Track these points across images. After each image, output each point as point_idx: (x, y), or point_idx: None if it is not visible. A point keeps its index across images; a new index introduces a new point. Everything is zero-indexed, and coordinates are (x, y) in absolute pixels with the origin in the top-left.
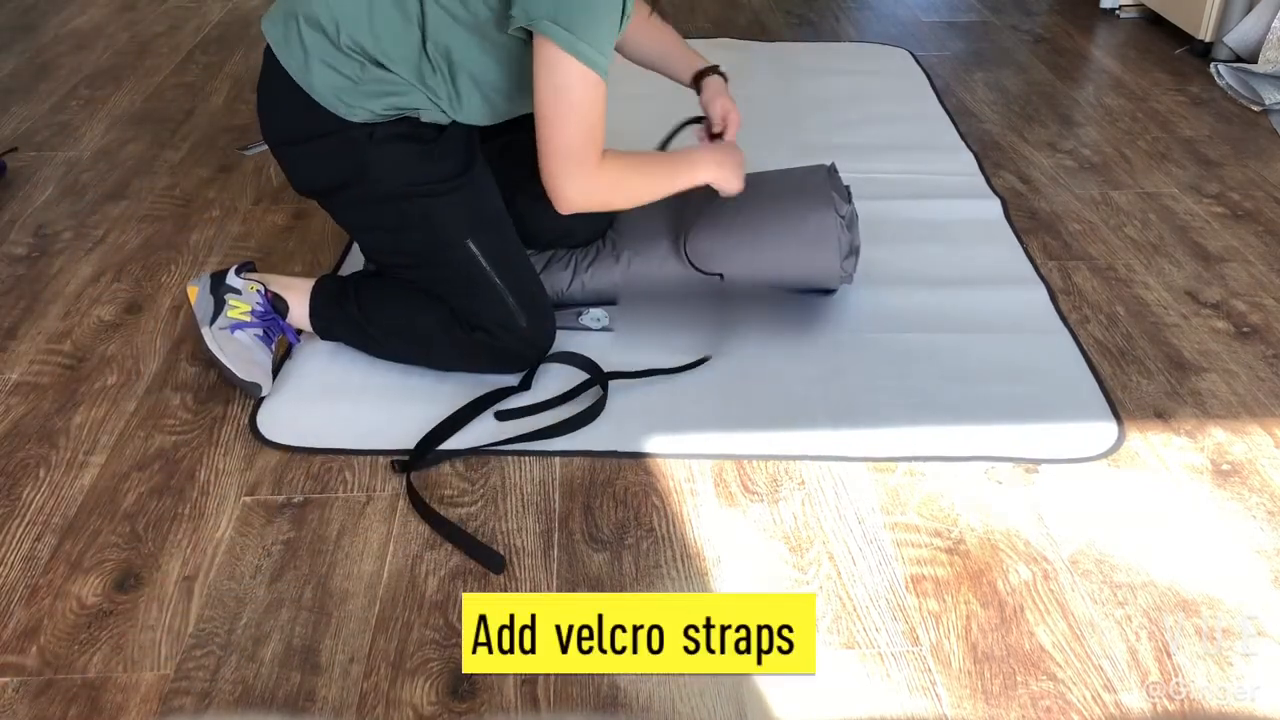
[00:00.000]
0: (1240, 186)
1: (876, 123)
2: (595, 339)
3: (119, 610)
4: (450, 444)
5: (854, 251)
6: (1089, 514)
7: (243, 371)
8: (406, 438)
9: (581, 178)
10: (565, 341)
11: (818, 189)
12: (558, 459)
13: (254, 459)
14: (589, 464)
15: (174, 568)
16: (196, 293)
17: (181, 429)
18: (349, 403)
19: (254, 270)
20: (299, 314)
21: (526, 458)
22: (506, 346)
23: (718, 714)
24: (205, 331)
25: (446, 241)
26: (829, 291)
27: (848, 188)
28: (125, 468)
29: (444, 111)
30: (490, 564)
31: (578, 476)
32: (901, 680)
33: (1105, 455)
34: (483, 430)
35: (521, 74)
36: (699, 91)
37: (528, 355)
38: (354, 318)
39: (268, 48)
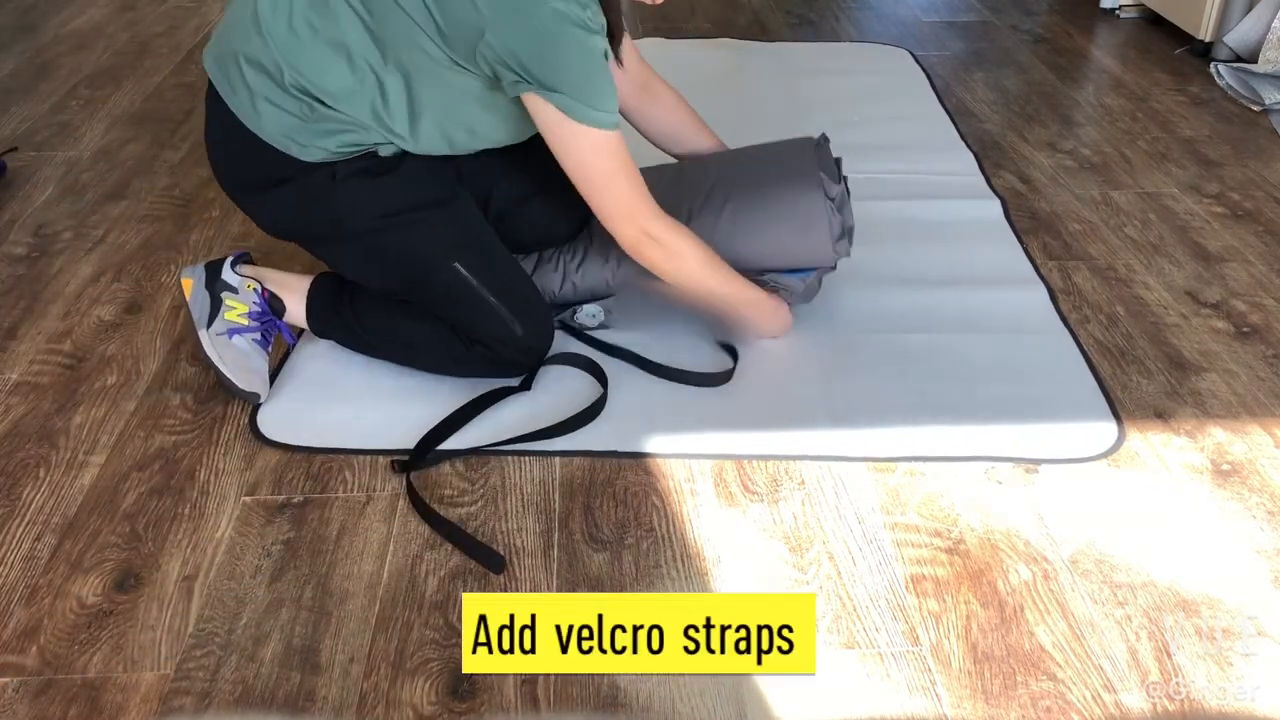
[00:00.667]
0: (1240, 186)
1: (876, 123)
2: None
3: (119, 610)
4: (450, 444)
5: (846, 232)
6: (1089, 514)
7: (241, 381)
8: (406, 438)
9: (640, 228)
10: (566, 342)
11: (805, 170)
12: (558, 459)
13: (254, 459)
14: (589, 464)
15: (174, 568)
16: (191, 287)
17: (181, 429)
18: (349, 403)
19: (250, 262)
20: (296, 312)
21: (526, 458)
22: (506, 357)
23: (718, 714)
24: (203, 335)
25: (432, 267)
26: (830, 269)
27: (838, 160)
28: (125, 468)
29: (401, 147)
30: (490, 564)
31: (578, 476)
32: (901, 680)
33: (1105, 455)
34: (482, 430)
35: (488, 114)
36: None
37: (527, 361)
38: (349, 322)
39: (210, 88)
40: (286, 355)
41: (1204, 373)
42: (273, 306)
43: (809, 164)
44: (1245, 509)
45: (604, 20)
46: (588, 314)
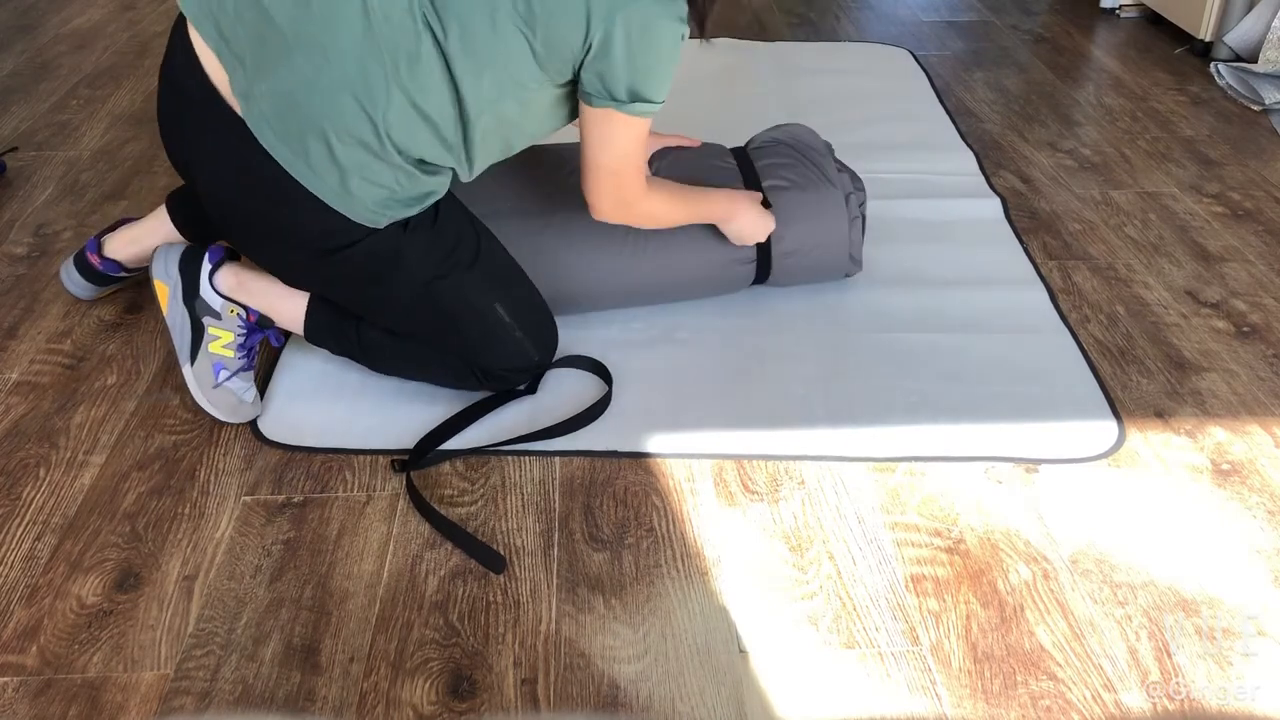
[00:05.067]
0: (1240, 186)
1: (876, 123)
2: (604, 339)
3: (119, 610)
4: (450, 444)
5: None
6: (1089, 514)
7: (233, 417)
8: (406, 437)
9: (625, 202)
10: (570, 345)
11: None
12: (558, 459)
13: (254, 459)
14: (589, 464)
15: (174, 567)
16: (168, 298)
17: (181, 429)
18: (349, 403)
19: (226, 260)
20: (283, 312)
21: (526, 458)
22: (515, 380)
23: (717, 714)
24: (187, 372)
25: (480, 312)
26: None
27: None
28: (125, 467)
29: (456, 180)
30: (491, 564)
31: (578, 476)
32: (901, 680)
33: (1105, 455)
34: (483, 430)
35: (534, 111)
36: None
37: (534, 372)
38: (351, 338)
39: (265, 162)
40: (280, 351)
41: (1204, 372)
42: (261, 324)
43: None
44: (1245, 509)
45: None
46: None
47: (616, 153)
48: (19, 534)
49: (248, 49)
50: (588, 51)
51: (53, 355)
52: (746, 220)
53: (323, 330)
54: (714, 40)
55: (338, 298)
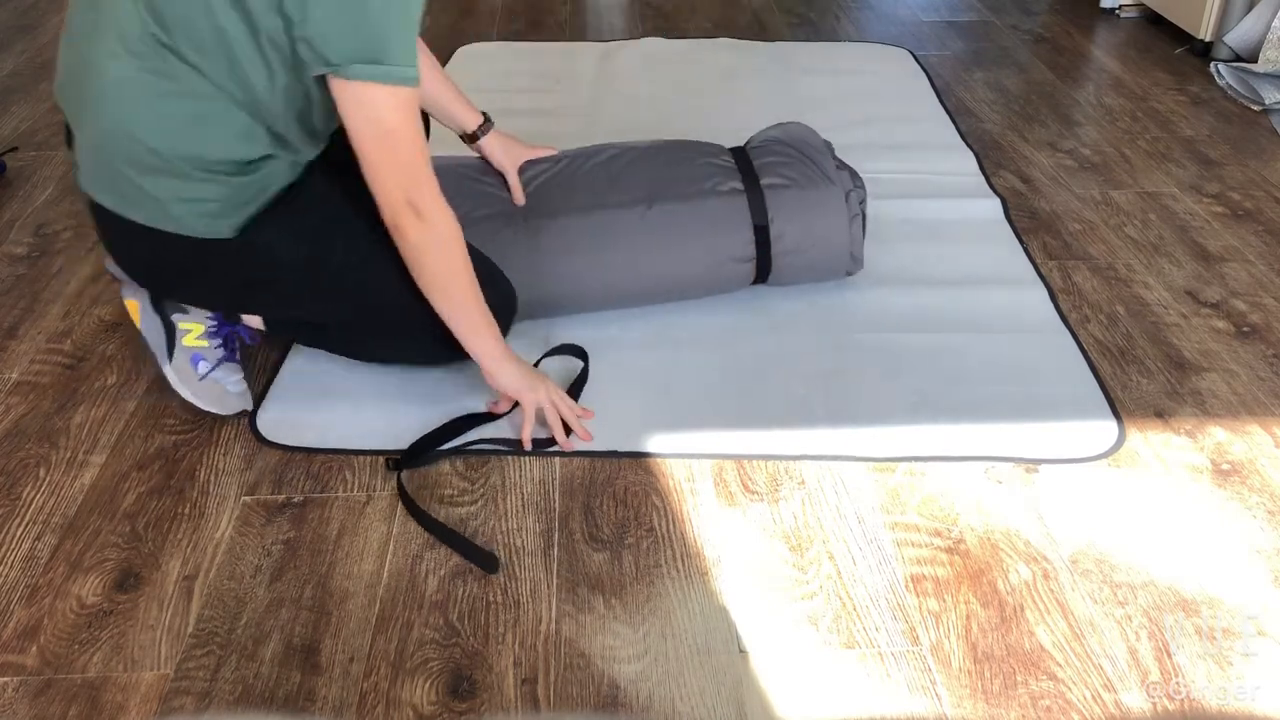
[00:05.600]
0: (1240, 186)
1: (876, 123)
2: (609, 335)
3: (119, 610)
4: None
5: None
6: (1089, 514)
7: (221, 408)
8: (407, 437)
9: (413, 206)
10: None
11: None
12: (558, 459)
13: (254, 459)
14: (589, 464)
15: (174, 567)
16: (139, 311)
17: (181, 428)
18: (349, 403)
19: None
20: (249, 318)
21: (527, 458)
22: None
23: (717, 714)
24: (168, 371)
25: (380, 280)
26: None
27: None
28: (125, 467)
29: (303, 161)
30: (485, 565)
31: (578, 476)
32: (901, 680)
33: (1105, 455)
34: (477, 431)
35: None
36: (481, 146)
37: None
38: (314, 332)
39: (97, 208)
40: (286, 353)
41: (1204, 372)
42: (228, 316)
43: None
44: (1245, 509)
45: None
46: None
47: (377, 134)
48: (19, 534)
49: (74, 110)
50: (288, 21)
51: (53, 355)
52: (507, 374)
53: (281, 325)
54: (714, 40)
55: (260, 311)
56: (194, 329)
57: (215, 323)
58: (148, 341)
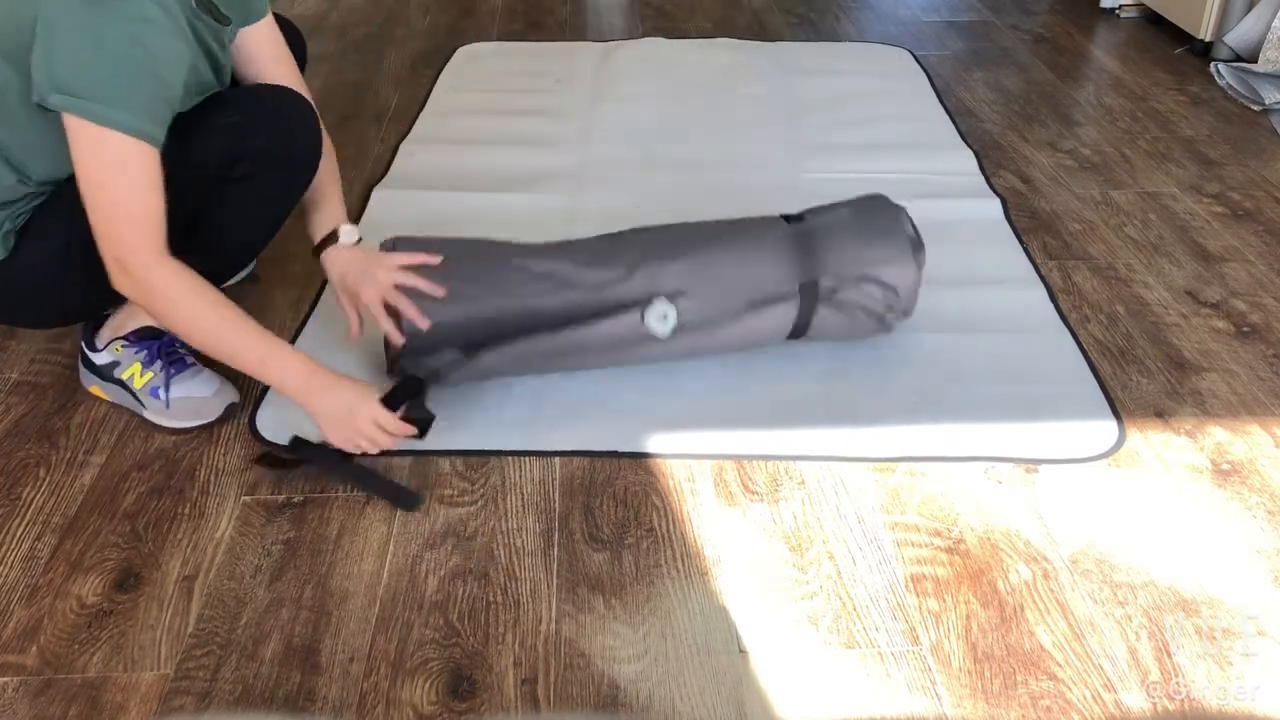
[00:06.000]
0: (1240, 186)
1: (876, 123)
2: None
3: (119, 610)
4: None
5: (923, 246)
6: (1089, 514)
7: (205, 416)
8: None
9: (120, 264)
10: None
11: (881, 200)
12: (558, 459)
13: (254, 459)
14: (589, 464)
15: (174, 567)
16: (101, 390)
17: (181, 428)
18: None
19: (90, 327)
20: (146, 319)
21: (527, 458)
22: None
23: (717, 714)
24: (148, 416)
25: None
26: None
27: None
28: (125, 467)
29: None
30: (402, 501)
31: (578, 476)
32: (901, 680)
33: (1105, 455)
34: (482, 431)
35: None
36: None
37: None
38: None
39: None
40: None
41: (1204, 372)
42: (150, 334)
43: (886, 202)
44: (1245, 509)
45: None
46: (658, 314)
47: (86, 179)
48: (19, 534)
49: None
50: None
51: (53, 355)
52: (342, 417)
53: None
54: (714, 40)
55: (72, 306)
56: (131, 368)
57: (137, 349)
58: (123, 405)
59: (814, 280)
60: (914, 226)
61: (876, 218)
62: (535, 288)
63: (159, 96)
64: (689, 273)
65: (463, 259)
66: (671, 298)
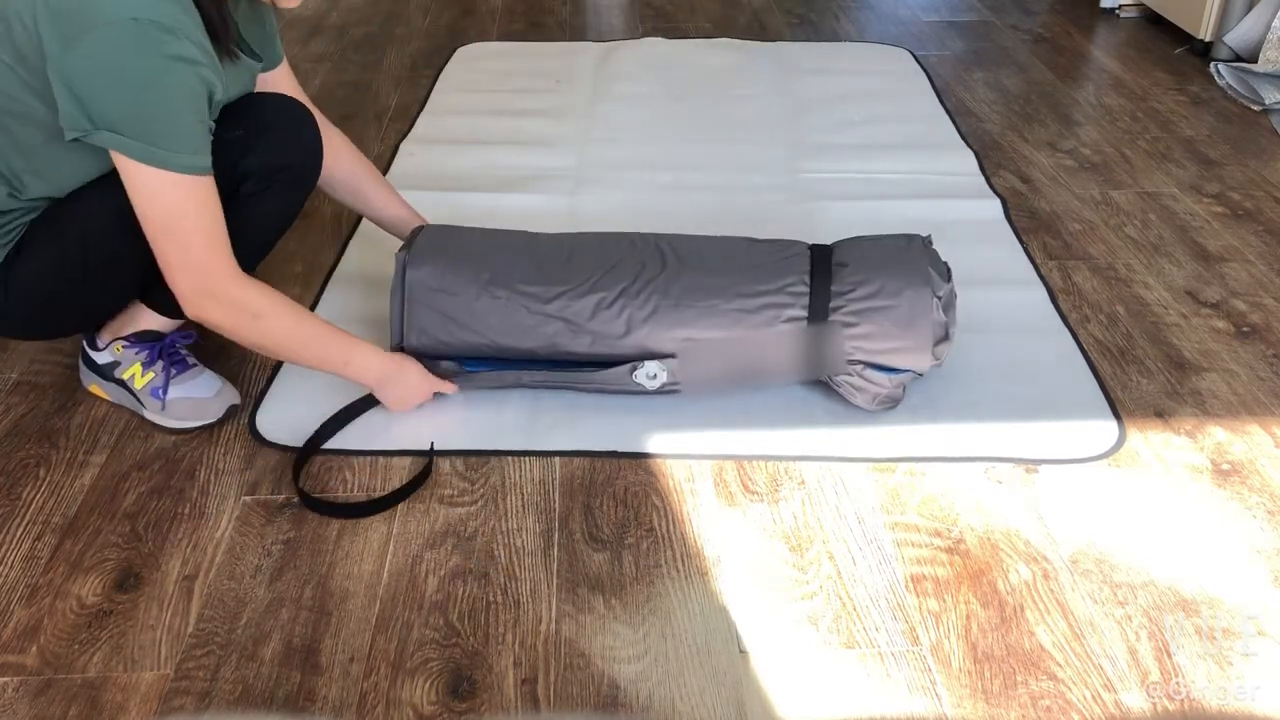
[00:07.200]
0: (1240, 186)
1: (876, 123)
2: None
3: (119, 610)
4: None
5: (947, 336)
6: (1089, 514)
7: (205, 417)
8: (405, 437)
9: (213, 293)
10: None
11: (915, 263)
12: (558, 459)
13: (254, 459)
14: (589, 464)
15: (174, 567)
16: (101, 389)
17: (182, 429)
18: (349, 403)
19: (94, 332)
20: (151, 321)
21: (527, 458)
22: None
23: (717, 713)
24: (149, 416)
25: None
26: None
27: (946, 265)
28: (125, 467)
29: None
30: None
31: (578, 476)
32: (901, 680)
33: (1105, 455)
34: (481, 431)
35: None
36: None
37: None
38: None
39: None
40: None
41: (1204, 372)
42: (151, 336)
43: (919, 258)
44: (1245, 509)
45: (198, 37)
46: (647, 373)
47: (153, 220)
48: (19, 534)
49: None
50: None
51: (53, 355)
52: (401, 388)
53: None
54: (714, 40)
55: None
56: (132, 369)
57: (139, 349)
58: (123, 405)
59: (818, 379)
60: (946, 303)
61: (903, 300)
62: (544, 330)
63: (204, 126)
64: (686, 344)
65: (478, 299)
66: (664, 359)
